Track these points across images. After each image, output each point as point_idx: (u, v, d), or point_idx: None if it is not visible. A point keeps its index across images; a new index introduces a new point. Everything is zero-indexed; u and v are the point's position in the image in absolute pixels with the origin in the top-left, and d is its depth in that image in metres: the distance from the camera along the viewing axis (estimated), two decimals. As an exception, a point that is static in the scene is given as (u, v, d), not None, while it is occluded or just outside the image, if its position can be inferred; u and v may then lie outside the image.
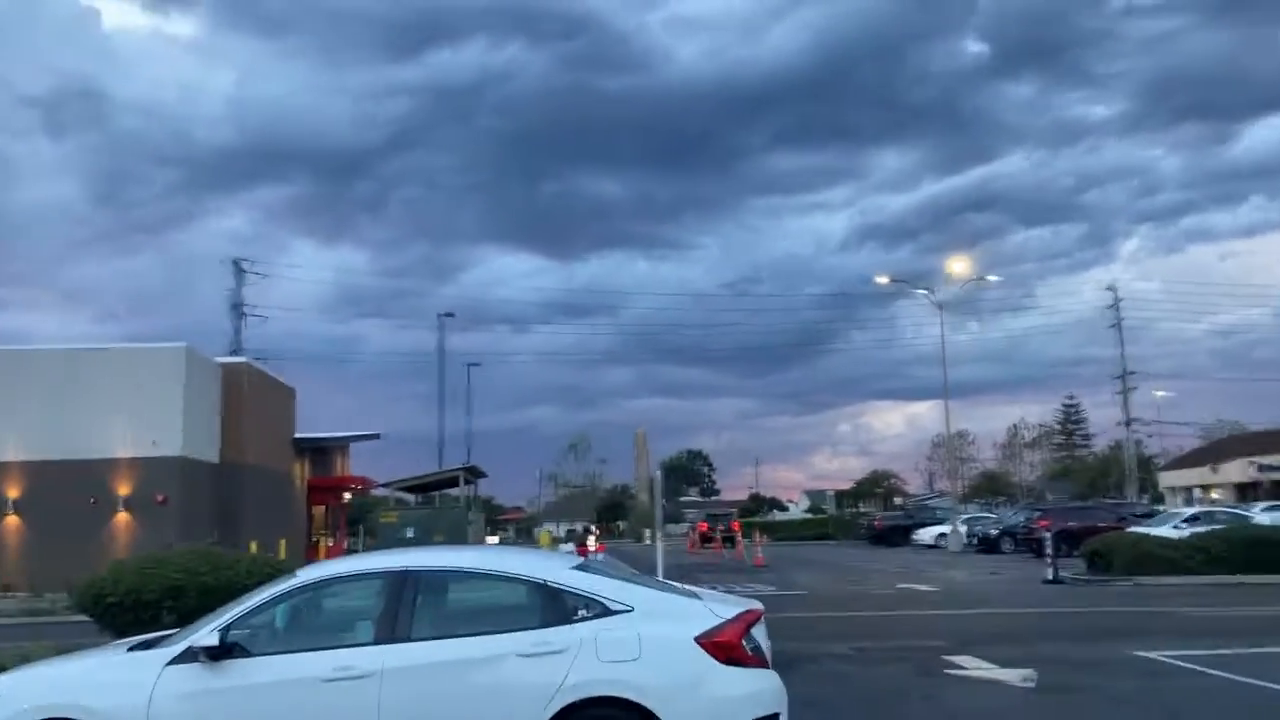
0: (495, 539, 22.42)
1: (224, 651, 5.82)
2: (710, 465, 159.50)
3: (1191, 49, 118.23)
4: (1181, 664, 10.82)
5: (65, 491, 26.53)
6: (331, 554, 33.17)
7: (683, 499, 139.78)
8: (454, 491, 34.19)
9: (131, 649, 6.34)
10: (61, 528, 26.23)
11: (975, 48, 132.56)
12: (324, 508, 40.69)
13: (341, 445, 45.83)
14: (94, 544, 25.61)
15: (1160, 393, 77.31)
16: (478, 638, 5.90)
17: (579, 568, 6.39)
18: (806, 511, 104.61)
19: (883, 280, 47.13)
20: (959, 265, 43.50)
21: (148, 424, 27.50)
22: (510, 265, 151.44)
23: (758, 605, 6.57)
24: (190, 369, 28.73)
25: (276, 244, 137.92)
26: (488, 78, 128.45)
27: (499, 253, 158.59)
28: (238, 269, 63.52)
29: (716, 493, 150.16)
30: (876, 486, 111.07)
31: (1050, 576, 22.49)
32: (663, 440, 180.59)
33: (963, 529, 43.27)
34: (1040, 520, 36.78)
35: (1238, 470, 58.44)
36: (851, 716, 8.83)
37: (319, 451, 41.29)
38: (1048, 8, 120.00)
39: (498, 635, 5.90)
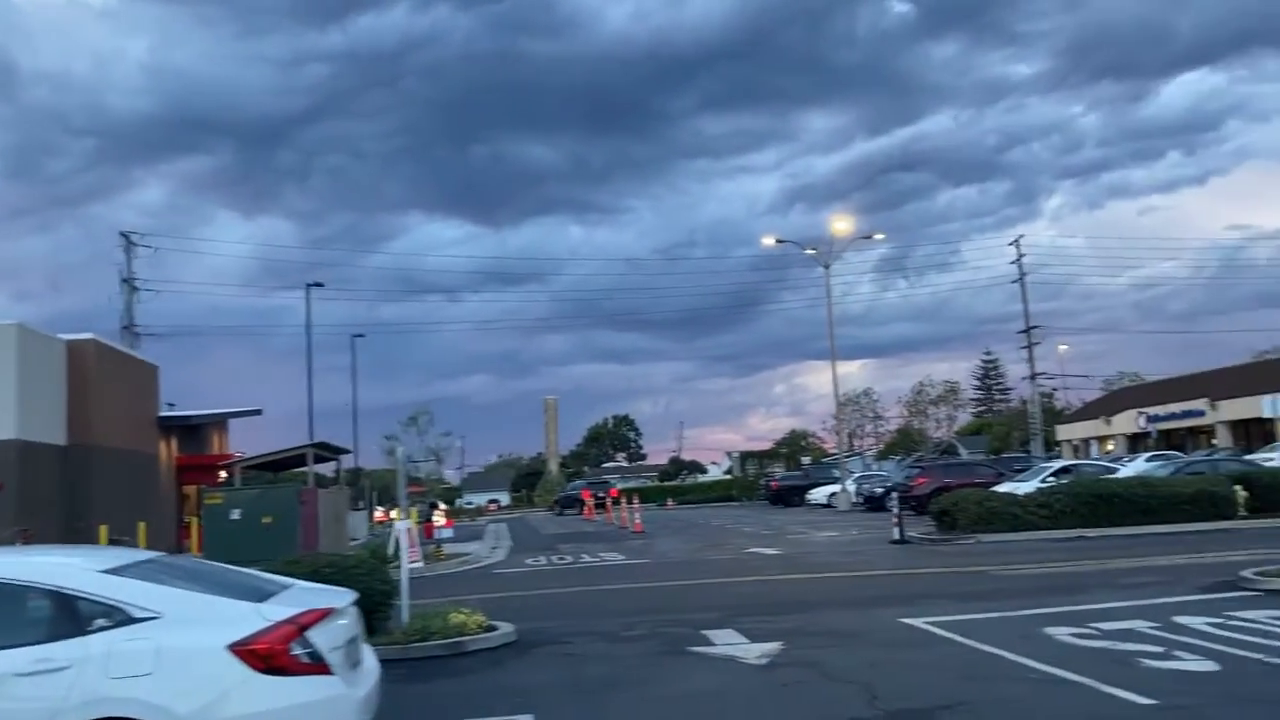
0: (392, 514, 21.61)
1: None
2: (637, 430, 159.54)
3: (1110, 7, 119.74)
4: (938, 631, 10.43)
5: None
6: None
7: (606, 465, 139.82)
8: (320, 468, 33.25)
9: None
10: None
11: (900, 8, 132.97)
12: (197, 488, 39.36)
13: (218, 422, 44.45)
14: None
15: (1063, 346, 78.49)
16: (-32, 657, 5.14)
17: (112, 570, 5.65)
18: (726, 473, 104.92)
19: (769, 241, 46.73)
20: (842, 224, 43.19)
21: (-26, 407, 26.11)
22: (440, 233, 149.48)
23: (330, 603, 5.90)
24: (23, 347, 27.27)
25: (199, 216, 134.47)
26: (412, 42, 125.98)
27: (428, 220, 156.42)
28: (128, 243, 61.40)
29: (643, 458, 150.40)
30: (796, 446, 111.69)
31: (897, 536, 22.29)
32: (602, 405, 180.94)
33: (851, 488, 43.29)
34: (919, 478, 36.92)
35: (1128, 422, 59.41)
36: (549, 705, 8.25)
37: (189, 430, 39.92)
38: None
39: (-5, 653, 5.15)
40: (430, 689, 9.30)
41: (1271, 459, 39.03)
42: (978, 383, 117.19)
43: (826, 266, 43.42)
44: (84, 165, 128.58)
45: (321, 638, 5.58)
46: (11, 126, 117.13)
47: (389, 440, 22.99)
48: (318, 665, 5.47)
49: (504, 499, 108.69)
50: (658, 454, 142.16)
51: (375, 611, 10.73)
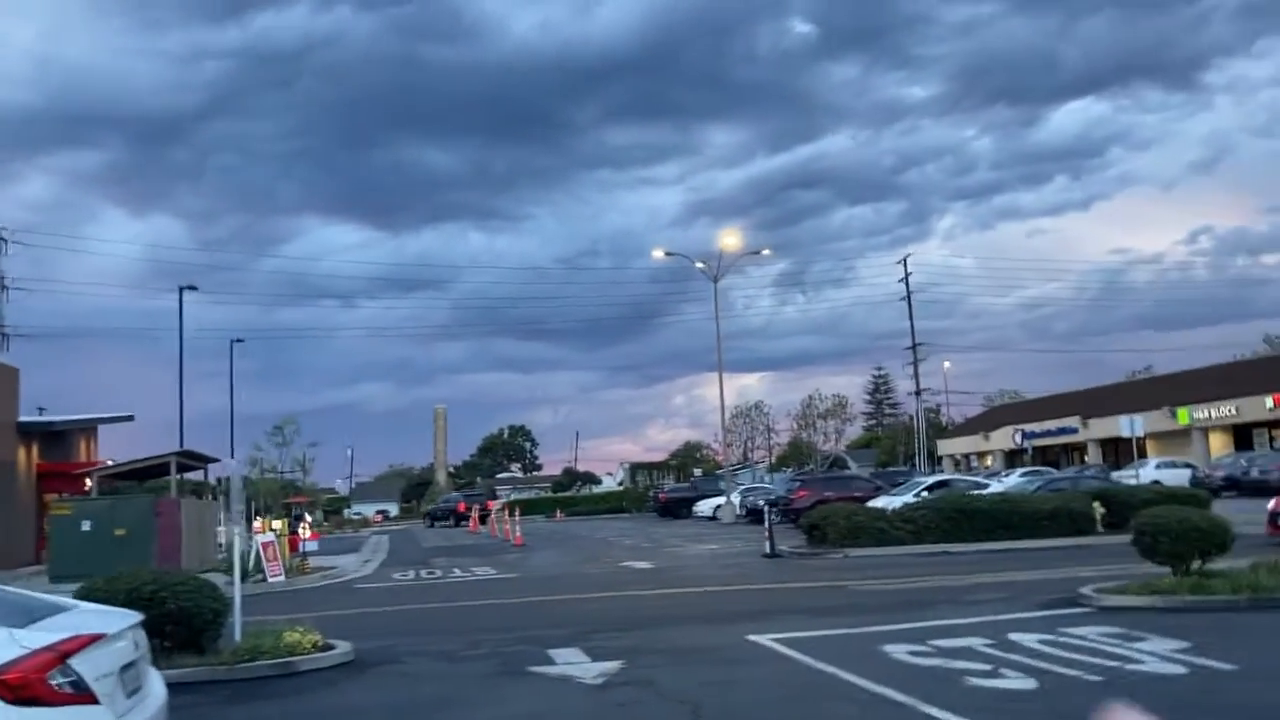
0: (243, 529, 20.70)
1: None
2: (533, 441, 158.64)
3: (1003, 34, 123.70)
4: (780, 648, 10.40)
5: None
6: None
7: (500, 476, 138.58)
8: (199, 477, 32.19)
9: None
10: None
11: (801, 28, 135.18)
12: (58, 496, 37.73)
13: (86, 428, 42.71)
14: None
15: (948, 363, 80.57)
16: None
17: None
18: (620, 485, 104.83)
19: (659, 254, 46.91)
20: (731, 239, 43.57)
21: None
22: (336, 237, 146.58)
23: (104, 628, 5.56)
24: None
25: (84, 212, 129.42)
26: (313, 42, 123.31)
27: (324, 224, 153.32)
28: (-2, 239, 58.60)
29: (539, 468, 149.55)
30: (690, 458, 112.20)
31: (768, 550, 22.43)
32: (501, 414, 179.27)
33: (736, 501, 43.60)
34: (799, 491, 37.34)
35: (1005, 438, 61.20)
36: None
37: (53, 436, 38.26)
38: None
39: None
40: (251, 711, 8.92)
41: (1135, 476, 40.67)
42: (868, 397, 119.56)
43: (715, 281, 43.79)
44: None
45: (88, 665, 5.23)
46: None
47: (255, 451, 22.33)
48: (81, 695, 5.12)
49: (393, 510, 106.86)
50: (555, 464, 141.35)
51: (204, 630, 10.29)
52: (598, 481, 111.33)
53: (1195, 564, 12.46)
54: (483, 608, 15.97)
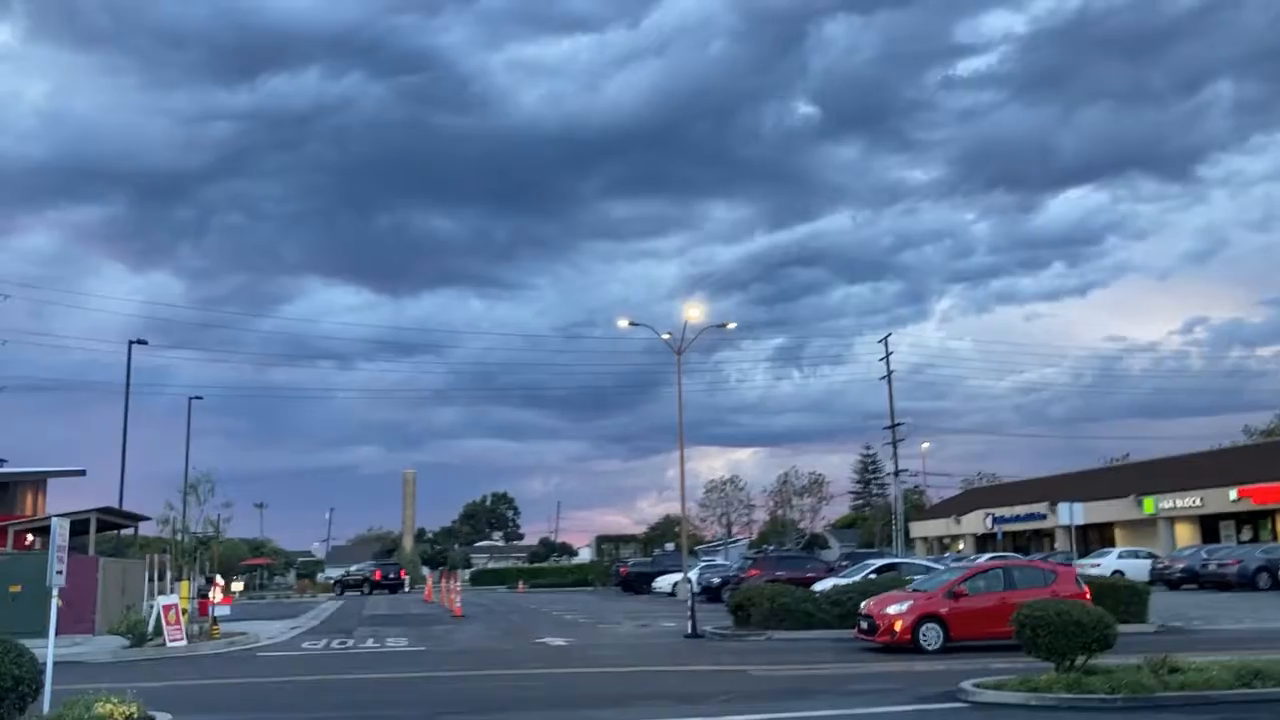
0: (165, 598, 20.07)
1: None
2: (515, 509, 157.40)
3: (1002, 122, 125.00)
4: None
5: None
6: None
7: (479, 544, 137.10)
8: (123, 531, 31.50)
9: None
10: None
11: (805, 109, 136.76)
12: (-5, 550, 36.95)
13: (33, 482, 42.06)
14: None
15: (925, 445, 79.94)
16: None
17: None
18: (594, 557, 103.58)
19: (623, 324, 46.64)
20: (694, 311, 43.30)
21: None
22: (337, 298, 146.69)
23: None
24: None
25: (85, 267, 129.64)
26: (322, 107, 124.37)
27: (325, 285, 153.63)
28: (-25, 290, 58.45)
29: (520, 537, 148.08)
30: (669, 532, 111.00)
31: (689, 630, 21.79)
32: (492, 480, 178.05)
33: (694, 577, 42.73)
34: (751, 569, 36.63)
35: (976, 522, 60.46)
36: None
37: (-4, 488, 37.64)
38: (873, 76, 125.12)
39: None
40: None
41: (1098, 564, 39.99)
42: (855, 476, 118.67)
43: (679, 353, 43.40)
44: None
45: None
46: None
47: (168, 510, 21.63)
48: None
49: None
50: (537, 533, 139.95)
51: (3, 699, 9.70)
52: (574, 553, 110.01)
53: (1080, 659, 11.92)
54: (355, 683, 15.42)
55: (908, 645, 17.72)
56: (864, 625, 18.83)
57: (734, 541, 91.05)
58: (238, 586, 64.12)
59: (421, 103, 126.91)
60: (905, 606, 18.21)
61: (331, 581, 65.99)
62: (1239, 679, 11.45)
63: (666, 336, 44.26)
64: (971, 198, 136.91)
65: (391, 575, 57.96)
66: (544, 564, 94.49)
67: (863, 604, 19.46)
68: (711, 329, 44.91)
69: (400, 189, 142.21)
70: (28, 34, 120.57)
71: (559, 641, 21.77)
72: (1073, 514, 30.01)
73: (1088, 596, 18.57)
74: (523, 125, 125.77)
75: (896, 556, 43.04)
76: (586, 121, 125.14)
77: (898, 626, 17.90)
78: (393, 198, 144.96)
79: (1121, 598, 22.78)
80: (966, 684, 12.16)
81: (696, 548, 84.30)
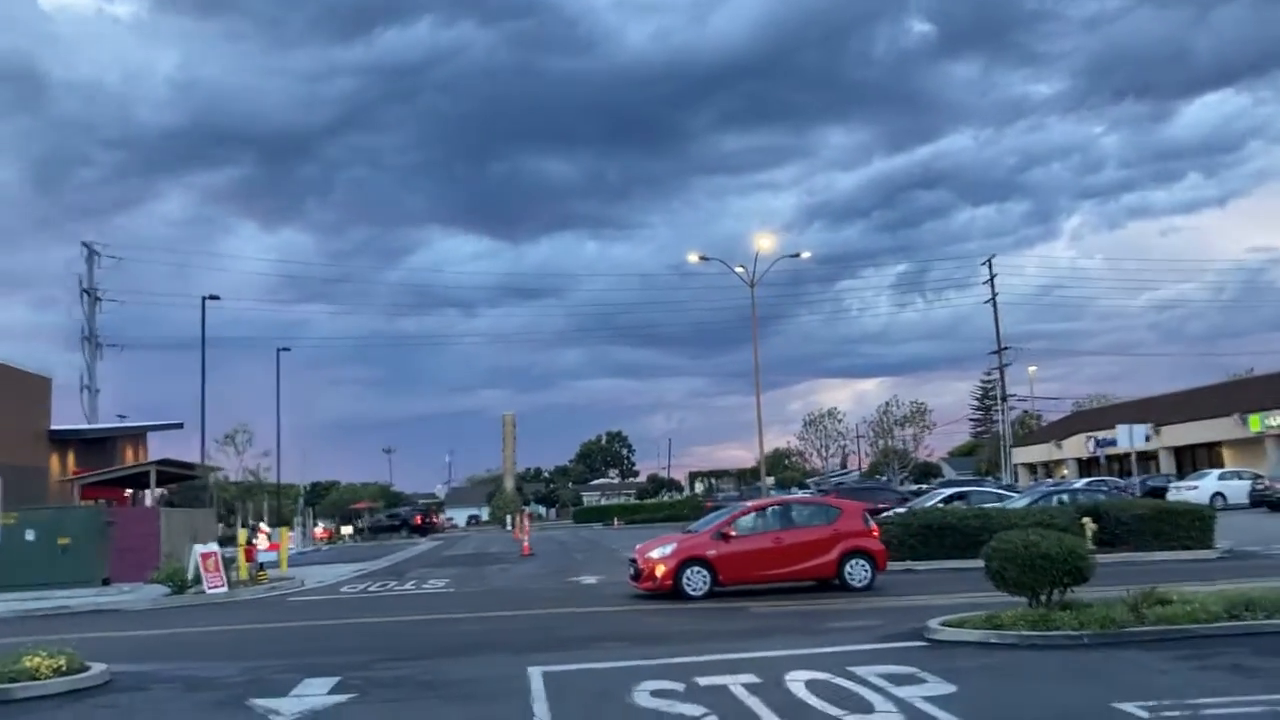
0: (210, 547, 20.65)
1: None
2: (630, 448, 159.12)
3: (1130, 28, 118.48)
4: (536, 685, 9.55)
5: None
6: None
7: (594, 482, 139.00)
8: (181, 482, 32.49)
9: None
10: None
11: (920, 28, 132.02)
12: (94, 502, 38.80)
13: (132, 436, 43.91)
14: None
15: (1033, 369, 77.24)
16: None
17: None
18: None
19: (694, 258, 45.86)
20: (765, 242, 42.28)
21: None
22: (458, 246, 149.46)
23: None
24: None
25: (221, 227, 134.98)
26: (435, 57, 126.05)
27: (446, 235, 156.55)
28: (90, 253, 60.80)
29: (635, 474, 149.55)
30: (778, 465, 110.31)
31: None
32: (617, 419, 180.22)
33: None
34: (822, 502, 35.95)
35: (1078, 446, 58.15)
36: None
37: (91, 443, 39.37)
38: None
39: None
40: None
41: (1195, 487, 38.00)
42: (975, 403, 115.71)
43: (752, 286, 42.54)
44: (110, 176, 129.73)
45: None
46: (41, 136, 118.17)
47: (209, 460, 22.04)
48: None
49: (484, 515, 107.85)
50: (652, 470, 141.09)
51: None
52: (681, 489, 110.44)
53: (1055, 594, 11.11)
54: (340, 628, 15.62)
55: (668, 591, 16.55)
56: (631, 571, 17.62)
57: (845, 473, 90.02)
58: (347, 530, 66.42)
59: (530, 47, 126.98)
60: (669, 550, 16.92)
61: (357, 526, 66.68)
62: (1228, 610, 10.53)
63: (740, 270, 43.44)
64: (1099, 110, 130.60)
65: (425, 518, 65.49)
66: (645, 500, 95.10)
67: (636, 547, 18.20)
68: (785, 258, 43.85)
69: (513, 134, 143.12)
70: (155, 5, 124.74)
71: (590, 580, 21.69)
72: (1132, 436, 28.34)
73: (875, 534, 17.53)
74: (631, 63, 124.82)
75: (978, 485, 41.54)
76: (695, 55, 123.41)
77: (659, 572, 16.67)
78: (506, 144, 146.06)
79: (1181, 522, 21.55)
80: (934, 621, 11.48)
81: (807, 480, 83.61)
